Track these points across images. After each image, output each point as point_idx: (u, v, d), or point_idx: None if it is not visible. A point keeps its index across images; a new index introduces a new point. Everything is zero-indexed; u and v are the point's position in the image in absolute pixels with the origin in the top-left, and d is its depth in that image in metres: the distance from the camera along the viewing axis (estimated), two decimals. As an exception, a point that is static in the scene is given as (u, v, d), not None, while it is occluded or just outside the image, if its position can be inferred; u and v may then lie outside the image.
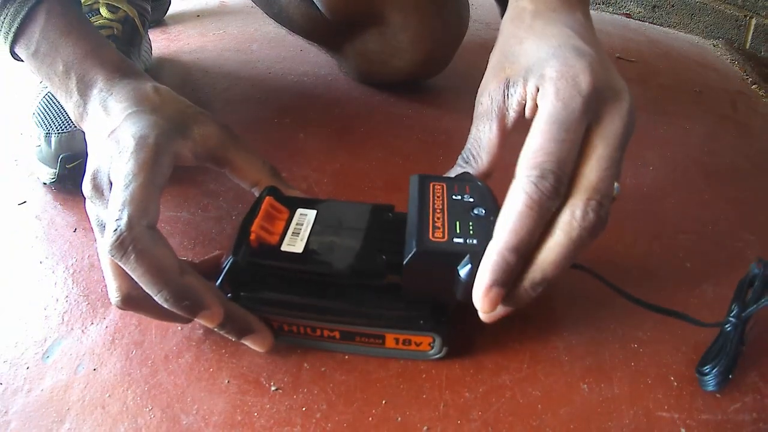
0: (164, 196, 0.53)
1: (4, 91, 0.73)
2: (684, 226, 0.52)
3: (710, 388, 0.37)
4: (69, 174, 0.51)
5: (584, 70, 0.34)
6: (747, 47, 1.02)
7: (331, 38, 0.71)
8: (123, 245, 0.33)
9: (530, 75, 0.35)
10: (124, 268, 0.34)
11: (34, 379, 0.38)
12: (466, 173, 0.38)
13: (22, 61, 0.44)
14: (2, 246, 0.49)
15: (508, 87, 0.36)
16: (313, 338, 0.38)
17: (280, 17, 0.70)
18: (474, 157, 0.38)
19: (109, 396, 0.36)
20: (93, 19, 0.61)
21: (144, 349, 0.39)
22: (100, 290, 0.44)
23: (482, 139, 0.38)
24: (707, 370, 0.37)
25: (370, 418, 0.35)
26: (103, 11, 0.62)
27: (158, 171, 0.36)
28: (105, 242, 0.33)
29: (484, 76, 0.39)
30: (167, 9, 0.96)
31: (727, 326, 0.39)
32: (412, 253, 0.33)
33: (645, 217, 0.53)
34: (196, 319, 0.35)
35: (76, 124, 0.44)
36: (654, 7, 1.09)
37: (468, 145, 0.39)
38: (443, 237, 0.34)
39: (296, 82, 0.75)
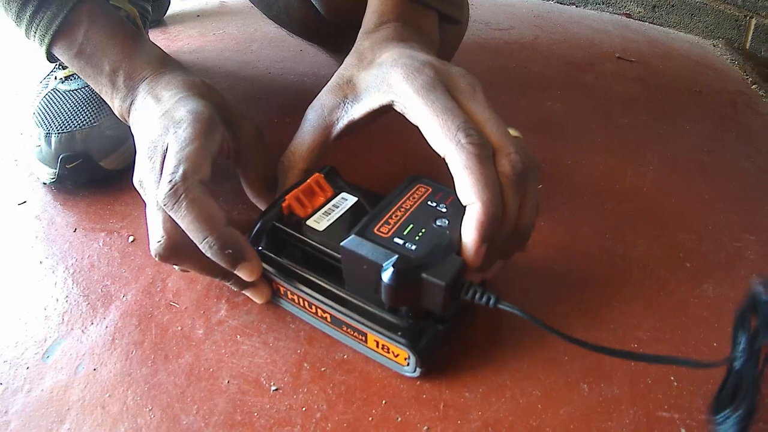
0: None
1: (3, 91, 0.73)
2: (684, 226, 0.52)
3: None
4: (69, 174, 0.51)
5: (423, 62, 0.39)
6: (747, 47, 1.02)
7: (330, 39, 0.71)
8: (176, 193, 0.35)
9: (372, 90, 0.40)
10: (174, 216, 0.36)
11: (34, 379, 0.38)
12: None
13: (56, 61, 0.46)
14: (2, 246, 0.49)
15: (344, 103, 0.42)
16: (309, 313, 0.40)
17: (279, 18, 0.70)
18: (291, 165, 0.43)
19: (109, 396, 0.36)
20: (93, 19, 0.61)
21: (144, 349, 0.39)
22: (100, 290, 0.44)
23: (303, 147, 0.43)
24: (721, 419, 0.32)
25: (370, 418, 0.35)
26: (103, 11, 0.62)
27: (211, 140, 0.39)
28: (159, 192, 0.36)
29: (319, 95, 0.44)
30: (167, 9, 0.96)
31: (735, 363, 0.33)
32: (346, 239, 0.34)
33: (645, 217, 0.53)
34: (235, 271, 0.37)
35: (120, 118, 0.46)
36: (654, 7, 1.09)
37: (288, 151, 0.44)
38: (386, 234, 0.34)
39: (296, 82, 0.75)
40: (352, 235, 0.34)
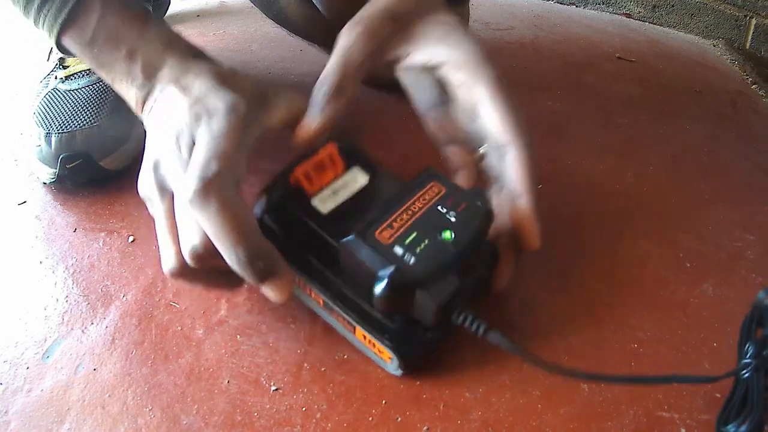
0: (164, 196, 0.53)
1: (3, 91, 0.73)
2: (684, 226, 0.52)
3: None
4: (69, 174, 0.51)
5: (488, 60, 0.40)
6: (747, 47, 1.02)
7: (331, 39, 0.70)
8: (207, 193, 0.31)
9: (437, 43, 0.39)
10: (201, 218, 0.32)
11: (34, 379, 0.38)
12: (481, 192, 0.37)
13: (69, 53, 0.43)
14: (2, 246, 0.49)
15: (394, 39, 0.40)
16: (304, 293, 0.39)
17: (279, 18, 0.70)
18: (341, 86, 0.40)
19: (109, 396, 0.36)
20: (93, 19, 0.61)
21: (144, 349, 0.39)
22: (100, 290, 0.44)
23: (351, 64, 0.40)
24: (731, 430, 0.31)
25: (370, 418, 0.35)
26: (103, 11, 0.62)
27: (248, 134, 0.35)
28: (186, 187, 0.32)
29: (361, 17, 0.41)
30: (167, 9, 0.96)
31: (744, 372, 0.33)
32: (346, 238, 0.33)
33: (645, 217, 0.53)
34: (262, 287, 0.34)
35: (134, 110, 0.42)
36: (654, 7, 1.09)
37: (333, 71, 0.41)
38: (388, 240, 0.33)
39: (296, 82, 0.75)
40: (352, 236, 0.33)
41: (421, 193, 0.35)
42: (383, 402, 0.36)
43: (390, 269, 0.31)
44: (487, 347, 0.40)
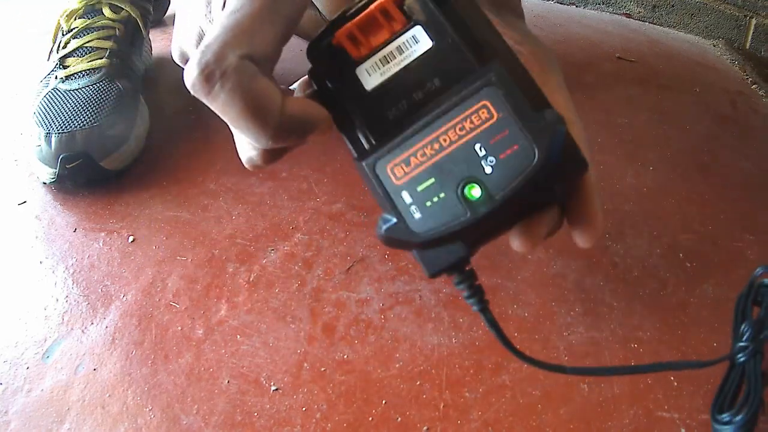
0: (164, 196, 0.53)
1: (3, 91, 0.73)
2: (684, 226, 0.52)
3: None
4: (69, 174, 0.51)
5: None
6: (747, 47, 1.02)
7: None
8: (209, 80, 0.26)
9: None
10: (214, 108, 0.27)
11: (34, 379, 0.38)
12: (553, 125, 0.26)
13: None
14: (2, 246, 0.49)
15: None
16: None
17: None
18: None
19: (109, 396, 0.36)
20: (95, 19, 0.61)
21: (144, 349, 0.39)
22: (100, 290, 0.44)
23: None
24: (727, 419, 0.29)
25: (370, 418, 0.35)
26: (106, 11, 0.62)
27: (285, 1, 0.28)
28: (187, 78, 0.27)
29: None
30: (167, 9, 0.96)
31: (739, 356, 0.31)
32: (360, 160, 0.27)
33: (645, 217, 0.53)
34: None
35: None
36: (654, 7, 1.09)
37: None
38: (399, 179, 0.26)
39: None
40: (364, 162, 0.27)
41: (467, 112, 0.26)
42: (383, 402, 0.36)
43: (390, 221, 0.26)
44: (487, 347, 0.40)
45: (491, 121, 0.26)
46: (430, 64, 0.27)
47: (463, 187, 0.26)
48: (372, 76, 0.28)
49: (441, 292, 0.44)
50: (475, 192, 0.25)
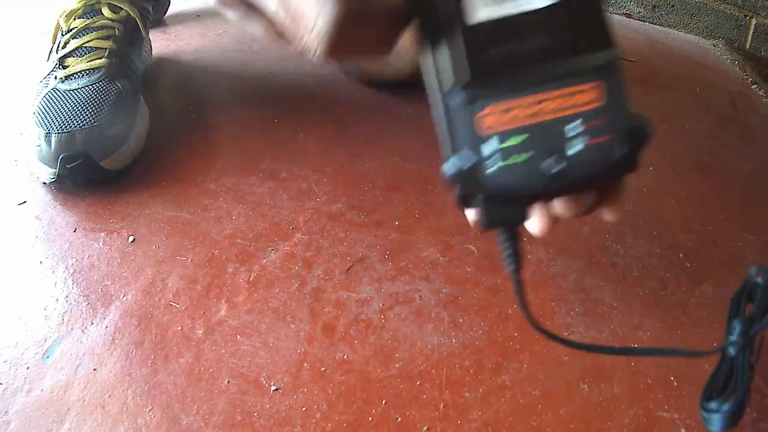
0: (164, 196, 0.53)
1: (3, 91, 0.73)
2: (684, 226, 0.52)
3: (717, 429, 0.31)
4: (69, 174, 0.51)
5: None
6: (747, 47, 1.02)
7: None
8: None
9: None
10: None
11: (34, 379, 0.38)
12: (641, 129, 0.26)
13: None
14: (2, 246, 0.49)
15: None
16: None
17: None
18: None
19: (109, 396, 0.36)
20: (95, 19, 0.61)
21: (144, 349, 0.39)
22: (100, 290, 0.44)
23: None
24: (714, 407, 0.31)
25: (370, 418, 0.35)
26: (105, 11, 0.62)
27: None
28: None
29: None
30: (167, 9, 0.96)
31: (730, 349, 0.33)
32: (447, 89, 0.25)
33: (645, 217, 0.53)
34: None
35: None
36: (654, 7, 1.09)
37: None
38: (488, 128, 0.25)
39: (296, 82, 0.75)
40: (455, 97, 0.25)
41: (575, 89, 0.25)
42: (383, 402, 0.36)
43: (466, 163, 0.25)
44: (486, 347, 0.40)
45: (596, 104, 0.25)
46: (550, 24, 0.25)
47: (546, 158, 0.25)
48: (482, 9, 0.25)
49: (441, 292, 0.44)
50: (555, 167, 0.25)
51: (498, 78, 0.25)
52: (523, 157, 0.25)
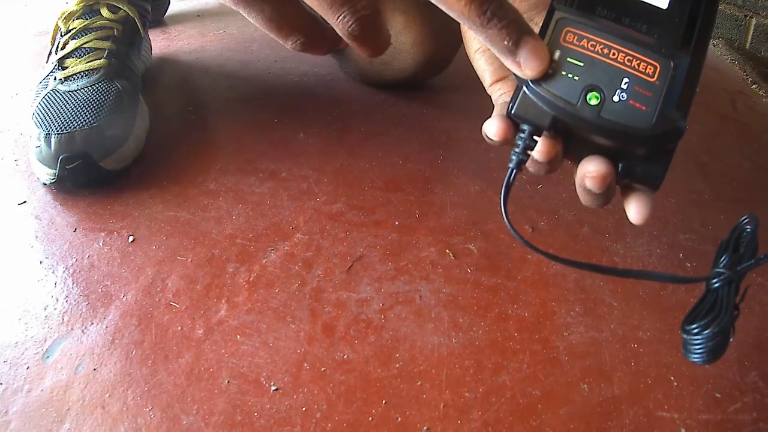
0: (164, 196, 0.53)
1: (3, 91, 0.73)
2: (684, 226, 0.52)
3: (697, 358, 0.28)
4: (69, 174, 0.51)
5: None
6: (747, 47, 1.02)
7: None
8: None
9: None
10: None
11: (34, 379, 0.38)
12: (676, 120, 0.30)
13: None
14: (2, 246, 0.49)
15: None
16: None
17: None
18: None
19: (109, 396, 0.36)
20: (93, 19, 0.61)
21: (144, 349, 0.39)
22: (100, 290, 0.44)
23: None
24: (695, 330, 0.29)
25: (370, 418, 0.35)
26: (104, 11, 0.62)
27: None
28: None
29: None
30: (167, 9, 0.96)
31: (714, 281, 0.31)
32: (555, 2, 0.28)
33: (645, 217, 0.53)
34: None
35: None
36: (654, 7, 1.09)
37: None
38: (566, 41, 0.28)
39: (296, 82, 0.75)
40: (561, 6, 0.29)
41: (640, 55, 0.28)
42: (383, 402, 0.36)
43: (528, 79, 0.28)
44: (487, 347, 0.40)
45: (648, 79, 0.28)
46: (652, 16, 0.29)
47: (591, 90, 0.28)
48: None
49: (441, 292, 0.44)
50: (593, 100, 0.28)
51: (596, 18, 0.28)
52: (577, 77, 0.28)
